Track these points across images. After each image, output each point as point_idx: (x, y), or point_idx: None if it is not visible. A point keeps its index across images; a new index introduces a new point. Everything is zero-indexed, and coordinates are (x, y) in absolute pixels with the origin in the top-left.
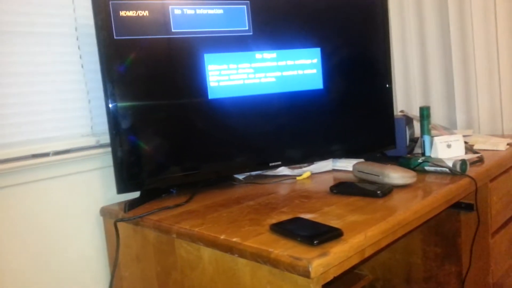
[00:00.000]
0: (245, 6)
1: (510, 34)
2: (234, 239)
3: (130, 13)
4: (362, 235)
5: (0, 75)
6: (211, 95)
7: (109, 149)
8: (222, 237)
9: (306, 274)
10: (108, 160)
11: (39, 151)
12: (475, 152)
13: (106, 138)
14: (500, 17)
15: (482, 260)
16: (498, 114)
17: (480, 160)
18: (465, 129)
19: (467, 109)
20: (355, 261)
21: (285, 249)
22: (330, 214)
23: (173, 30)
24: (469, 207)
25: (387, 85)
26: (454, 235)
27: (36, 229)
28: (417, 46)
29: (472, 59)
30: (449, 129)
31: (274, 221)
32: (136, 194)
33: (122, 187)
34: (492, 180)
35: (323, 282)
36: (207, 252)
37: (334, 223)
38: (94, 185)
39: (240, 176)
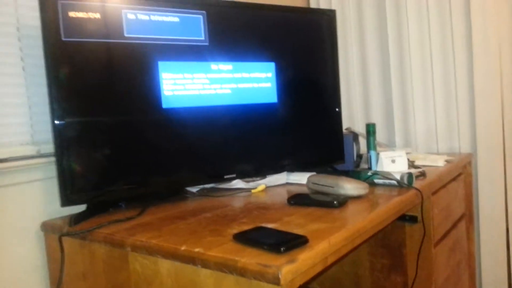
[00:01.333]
0: (201, 16)
1: (443, 64)
2: (197, 249)
3: (80, 15)
4: (326, 242)
5: None
6: (165, 104)
7: (51, 159)
8: (182, 248)
9: (275, 281)
10: (50, 171)
11: None
12: (416, 167)
13: (48, 148)
14: (434, 47)
15: (426, 269)
16: (433, 134)
17: (423, 174)
18: (404, 147)
19: (405, 130)
20: (319, 268)
21: (252, 257)
22: (292, 223)
23: (125, 35)
24: (413, 219)
25: (336, 105)
26: (400, 246)
27: None
28: (359, 69)
29: (409, 84)
30: (391, 146)
31: (236, 231)
32: (80, 208)
33: (67, 200)
34: (433, 193)
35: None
36: (165, 265)
37: (297, 231)
38: (34, 198)
39: (194, 189)
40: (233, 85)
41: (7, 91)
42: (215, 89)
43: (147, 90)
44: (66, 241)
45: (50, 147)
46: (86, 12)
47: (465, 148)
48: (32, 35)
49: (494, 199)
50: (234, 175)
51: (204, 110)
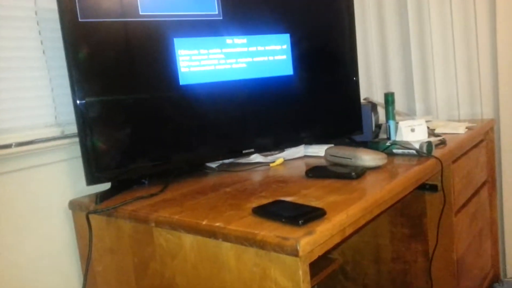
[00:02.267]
0: None
1: (465, 29)
2: (217, 224)
3: None
4: (343, 213)
5: None
6: (182, 81)
7: (75, 139)
8: (204, 222)
9: (294, 253)
10: (75, 152)
11: (0, 142)
12: (437, 135)
13: (71, 128)
14: (455, 13)
15: (447, 238)
16: (454, 101)
17: (443, 142)
18: (424, 115)
19: (425, 97)
20: (337, 239)
21: (271, 230)
22: (310, 196)
23: (141, 13)
24: (433, 188)
25: (354, 74)
26: (420, 216)
27: (5, 222)
28: (377, 38)
29: (429, 49)
30: (411, 115)
31: (254, 205)
32: (105, 187)
33: (92, 178)
34: (454, 161)
35: (309, 261)
36: (188, 239)
37: (314, 204)
38: (61, 178)
39: (213, 165)
40: (249, 59)
41: (29, 75)
42: (230, 63)
43: (164, 68)
44: (93, 218)
45: (73, 128)
46: None
47: (488, 114)
48: (50, 18)
49: None
50: (252, 150)
51: (221, 85)
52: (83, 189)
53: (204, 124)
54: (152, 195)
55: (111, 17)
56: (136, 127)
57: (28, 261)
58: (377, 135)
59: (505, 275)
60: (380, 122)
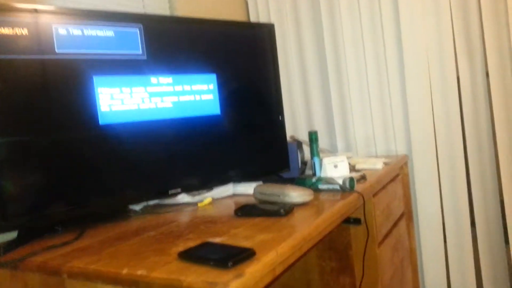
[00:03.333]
0: (137, 30)
1: (377, 72)
2: (139, 272)
3: (6, 31)
4: (273, 252)
5: None
6: (102, 121)
7: None
8: (124, 271)
9: None
10: None
11: None
12: (357, 171)
13: None
14: (368, 57)
15: (372, 269)
16: (371, 138)
17: (363, 177)
18: (345, 152)
19: (345, 135)
20: (268, 280)
21: (198, 276)
22: (239, 236)
23: (57, 51)
24: (357, 221)
25: (279, 113)
26: (346, 248)
27: None
28: (300, 80)
29: (347, 92)
30: (333, 152)
31: (181, 248)
32: (11, 236)
33: None
34: (374, 195)
35: None
36: None
37: (244, 243)
38: None
39: (137, 207)
40: (175, 98)
41: None
42: (155, 102)
43: (82, 106)
44: None
45: None
46: (12, 28)
47: (401, 150)
48: None
49: (430, 197)
50: (179, 190)
51: (145, 125)
52: None
53: (126, 165)
54: (65, 243)
55: (24, 54)
56: (50, 169)
57: None
58: (303, 172)
59: None
60: (305, 159)
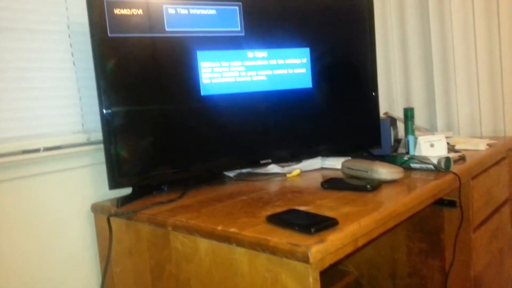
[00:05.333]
0: (237, 8)
1: (488, 43)
2: (232, 230)
3: (125, 11)
4: (356, 224)
5: None
6: (203, 92)
7: (100, 146)
8: (219, 228)
9: (305, 260)
10: (99, 157)
11: (29, 147)
12: (456, 151)
13: (96, 135)
14: (478, 26)
15: (464, 254)
16: (477, 118)
17: (462, 158)
18: (445, 131)
19: (447, 113)
20: (349, 249)
21: (283, 238)
22: (324, 207)
23: (166, 29)
24: (451, 204)
25: (373, 88)
26: (438, 231)
27: (25, 225)
28: (399, 52)
29: (452, 64)
30: (431, 130)
31: (269, 213)
32: (127, 191)
33: (114, 183)
34: (473, 178)
35: (320, 269)
36: (203, 244)
37: (328, 214)
38: (85, 182)
39: (231, 174)
40: (269, 72)
41: (60, 84)
42: (251, 76)
43: (187, 79)
44: (114, 221)
45: (99, 135)
46: (130, 9)
47: (511, 131)
48: (81, 31)
49: None
50: (270, 160)
51: (241, 97)
52: (105, 194)
53: (223, 134)
54: (170, 201)
55: (138, 33)
56: (158, 135)
57: (51, 260)
58: (395, 150)
59: None
60: (399, 137)
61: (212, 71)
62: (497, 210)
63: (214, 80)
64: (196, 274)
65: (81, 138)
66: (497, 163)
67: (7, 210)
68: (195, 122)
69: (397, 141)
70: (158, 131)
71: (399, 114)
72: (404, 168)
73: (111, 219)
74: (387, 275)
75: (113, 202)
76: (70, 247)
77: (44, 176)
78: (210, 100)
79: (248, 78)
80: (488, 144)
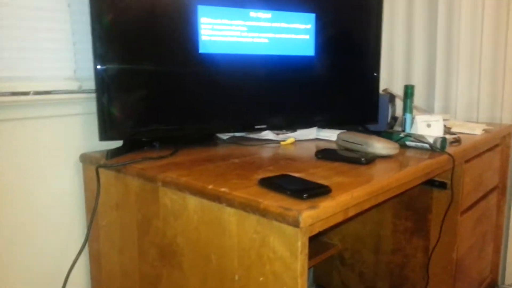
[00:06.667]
0: None
1: (494, 32)
2: (223, 189)
3: None
4: (348, 194)
5: None
6: (201, 49)
7: (92, 95)
8: (210, 186)
9: (295, 224)
10: (90, 107)
11: (18, 89)
12: (452, 133)
13: (88, 84)
14: (486, 14)
15: (449, 236)
16: (475, 103)
17: (458, 141)
18: (442, 113)
19: (446, 96)
20: (339, 218)
21: (275, 201)
22: (317, 175)
23: None
24: (442, 185)
25: (375, 63)
26: (425, 211)
27: (11, 167)
28: (404, 31)
29: (456, 47)
30: (428, 111)
31: (261, 176)
32: (117, 145)
33: (105, 134)
34: (467, 161)
35: (309, 234)
36: (193, 201)
37: (321, 182)
38: (75, 131)
39: (224, 136)
40: (271, 35)
41: (54, 26)
42: (252, 37)
43: (185, 34)
44: (102, 173)
45: (91, 84)
46: None
47: (507, 119)
48: None
49: None
50: (264, 126)
51: (240, 58)
52: (95, 145)
53: (219, 95)
54: (161, 157)
55: None
56: (153, 91)
57: (36, 205)
58: (391, 127)
59: (503, 281)
60: (397, 115)
61: (212, 29)
62: (485, 195)
63: (213, 38)
64: (183, 231)
65: (73, 85)
66: (490, 149)
67: (3, 148)
68: (190, 80)
69: (394, 118)
70: (152, 86)
71: (398, 92)
72: (399, 145)
73: (100, 170)
74: (371, 250)
75: (102, 154)
76: (56, 195)
77: (33, 120)
78: (207, 59)
79: (249, 40)
80: (484, 130)
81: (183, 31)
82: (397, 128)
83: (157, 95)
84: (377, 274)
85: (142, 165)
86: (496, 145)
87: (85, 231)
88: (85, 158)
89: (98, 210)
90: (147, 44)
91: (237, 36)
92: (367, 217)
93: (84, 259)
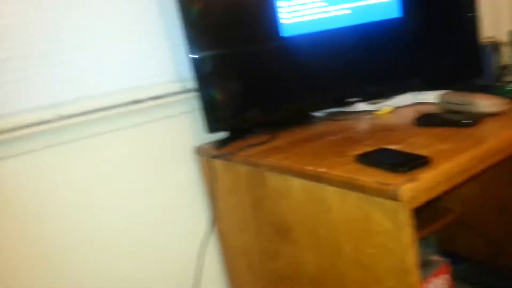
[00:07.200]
0: None
1: None
2: (321, 169)
3: None
4: (450, 162)
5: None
6: (283, 33)
7: (193, 94)
8: (309, 167)
9: (395, 198)
10: (193, 104)
11: (135, 97)
12: None
13: (190, 84)
14: None
15: None
16: None
17: None
18: None
19: None
20: (443, 188)
21: (371, 177)
22: (416, 144)
23: None
24: None
25: (472, 8)
26: None
27: (139, 167)
28: None
29: None
30: None
31: (358, 152)
32: (218, 136)
33: (212, 127)
34: None
35: (412, 206)
36: (296, 182)
37: (421, 152)
38: (185, 127)
39: (319, 114)
40: (353, 4)
41: (151, 38)
42: (333, 10)
43: (265, 21)
44: (215, 162)
45: (191, 83)
46: None
47: None
48: None
49: None
50: (358, 98)
51: (323, 34)
52: (202, 138)
53: (308, 74)
54: (262, 143)
55: None
56: (245, 79)
57: (167, 199)
58: (499, 79)
59: None
60: (507, 63)
61: (291, 10)
62: None
63: (293, 20)
64: (291, 209)
65: (178, 86)
66: None
67: (124, 154)
68: (278, 64)
69: (502, 68)
70: (244, 74)
71: (504, 37)
72: (509, 98)
73: (212, 160)
74: (495, 211)
75: (211, 145)
76: (180, 185)
77: (148, 124)
78: (291, 41)
79: (331, 14)
80: None
81: (262, 18)
82: (507, 78)
83: (249, 82)
84: (503, 237)
85: (246, 152)
86: None
87: (208, 214)
88: (199, 151)
89: (218, 195)
90: (232, 33)
91: (318, 13)
92: (489, 177)
93: (213, 239)
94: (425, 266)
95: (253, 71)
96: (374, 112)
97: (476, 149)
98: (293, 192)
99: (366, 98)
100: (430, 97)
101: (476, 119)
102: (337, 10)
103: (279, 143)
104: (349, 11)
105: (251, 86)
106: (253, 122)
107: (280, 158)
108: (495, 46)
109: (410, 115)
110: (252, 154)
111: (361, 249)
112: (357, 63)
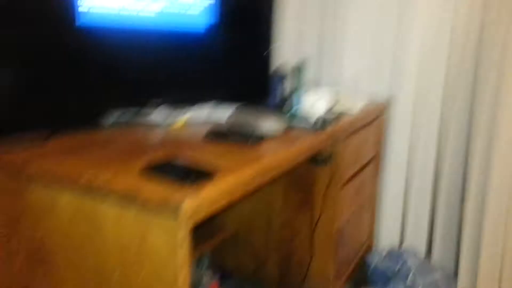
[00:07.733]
0: None
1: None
2: (98, 181)
3: None
4: (233, 176)
5: None
6: (79, 22)
7: None
8: (83, 178)
9: (176, 211)
10: None
11: None
12: (334, 112)
13: None
14: None
15: (331, 209)
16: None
17: (338, 119)
18: (332, 86)
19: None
20: (224, 201)
21: (155, 190)
22: (203, 159)
23: None
24: (323, 161)
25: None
26: (310, 187)
27: None
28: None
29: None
30: (319, 85)
31: (144, 164)
32: None
33: None
34: (345, 137)
35: (194, 221)
36: (64, 197)
37: (206, 166)
38: None
39: (108, 121)
40: (159, 6)
41: None
42: (138, 11)
43: (60, 4)
44: None
45: None
46: None
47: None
48: None
49: (400, 145)
50: (152, 104)
51: (125, 32)
52: None
53: (100, 71)
54: (30, 145)
55: None
56: (21, 67)
57: None
58: (282, 105)
59: (377, 245)
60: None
61: None
62: (363, 168)
63: (93, 10)
64: (55, 228)
65: None
66: (369, 123)
67: None
68: (67, 57)
69: (284, 96)
70: (22, 62)
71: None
72: (285, 124)
73: None
74: (262, 229)
75: None
76: None
77: None
78: (86, 32)
79: (136, 14)
80: (362, 106)
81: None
82: (288, 105)
83: (25, 73)
84: (267, 251)
85: (5, 155)
86: (373, 120)
87: None
88: None
89: None
90: (15, 11)
91: (123, 10)
92: (258, 197)
93: None
94: (197, 286)
95: (34, 59)
96: (168, 125)
97: (257, 165)
98: (60, 208)
99: (160, 105)
100: (223, 114)
101: (257, 139)
102: (142, 11)
103: (54, 147)
104: (152, 15)
105: (29, 75)
106: (28, 116)
107: (49, 166)
108: (282, 77)
109: (202, 130)
110: (12, 158)
111: (131, 277)
112: (157, 68)
